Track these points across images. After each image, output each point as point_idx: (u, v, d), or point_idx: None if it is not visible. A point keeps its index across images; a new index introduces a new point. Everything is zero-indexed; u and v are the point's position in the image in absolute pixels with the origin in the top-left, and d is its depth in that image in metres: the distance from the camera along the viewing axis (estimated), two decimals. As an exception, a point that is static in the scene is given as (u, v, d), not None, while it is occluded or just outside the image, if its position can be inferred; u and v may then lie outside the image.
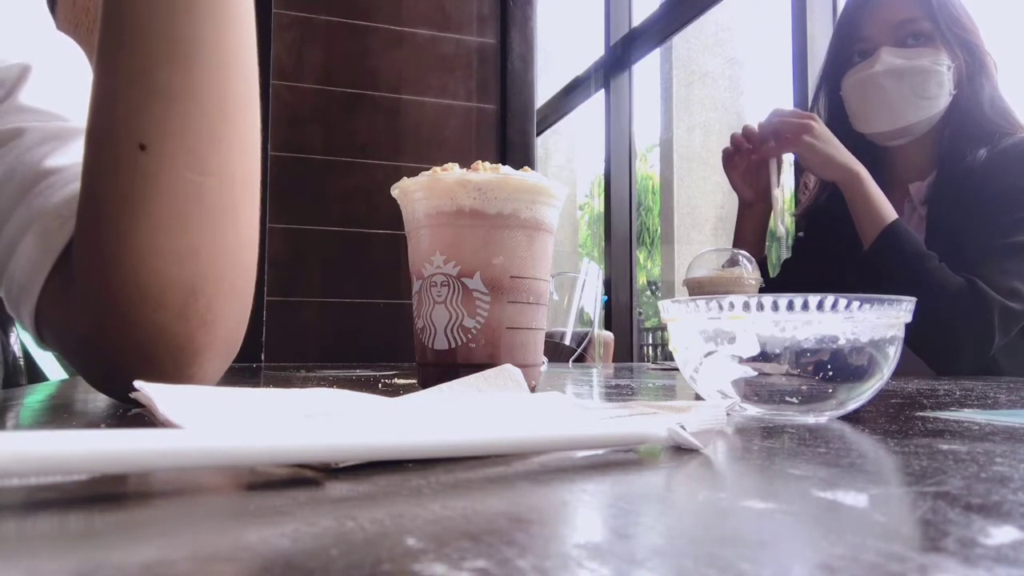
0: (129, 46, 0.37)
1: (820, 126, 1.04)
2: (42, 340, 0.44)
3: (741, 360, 0.36)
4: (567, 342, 1.39)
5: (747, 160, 1.13)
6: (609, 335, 1.96)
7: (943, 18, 1.03)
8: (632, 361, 2.49)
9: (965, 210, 0.99)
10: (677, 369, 0.42)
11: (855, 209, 1.01)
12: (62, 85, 0.47)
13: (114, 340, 0.39)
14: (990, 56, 1.06)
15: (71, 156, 0.43)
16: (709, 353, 0.37)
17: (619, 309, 2.50)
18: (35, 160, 0.44)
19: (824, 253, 1.15)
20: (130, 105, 0.37)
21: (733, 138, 1.15)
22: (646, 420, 0.26)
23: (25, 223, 0.42)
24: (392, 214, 0.57)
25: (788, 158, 1.14)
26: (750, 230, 1.17)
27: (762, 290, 0.97)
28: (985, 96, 1.04)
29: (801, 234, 1.26)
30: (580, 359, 1.33)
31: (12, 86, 0.46)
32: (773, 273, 1.24)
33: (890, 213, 0.99)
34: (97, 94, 0.39)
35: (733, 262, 0.97)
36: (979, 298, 0.92)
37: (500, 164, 0.51)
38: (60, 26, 0.53)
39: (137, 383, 0.28)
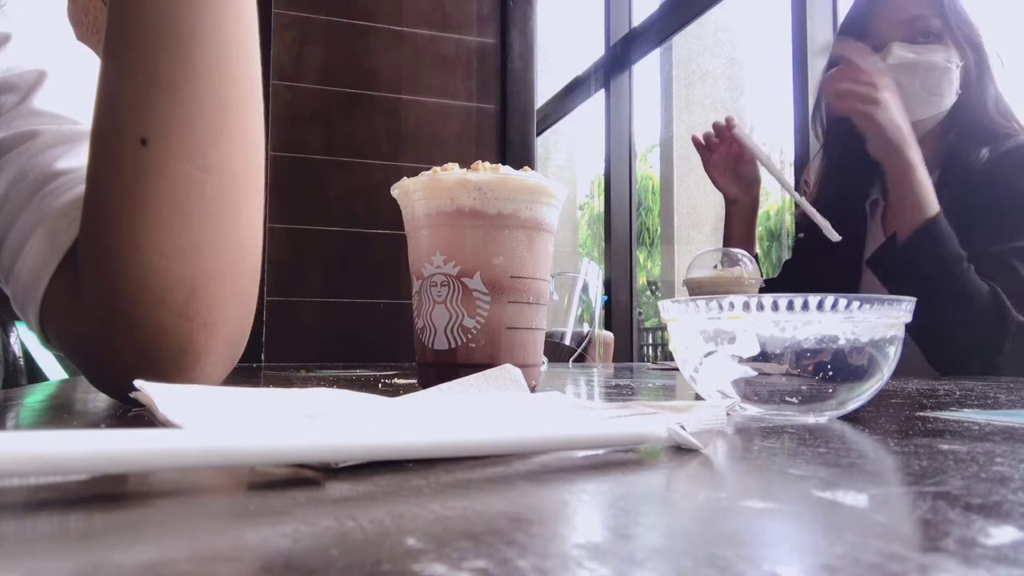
0: (132, 41, 0.38)
1: (887, 96, 0.95)
2: (47, 340, 0.45)
3: (741, 360, 0.36)
4: (567, 342, 1.39)
5: (724, 156, 1.14)
6: (609, 335, 1.96)
7: (953, 17, 1.03)
8: (632, 361, 2.49)
9: (968, 212, 0.99)
10: (677, 369, 0.42)
11: (895, 196, 0.95)
12: (76, 90, 0.48)
13: (117, 340, 0.39)
14: (995, 54, 1.06)
15: (81, 159, 0.43)
16: (709, 353, 0.37)
17: (619, 309, 2.50)
18: (46, 162, 0.44)
19: (826, 253, 1.15)
20: (132, 99, 0.38)
21: (706, 138, 1.16)
22: (646, 420, 0.26)
23: (33, 223, 0.42)
24: (392, 214, 0.57)
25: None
26: (739, 227, 1.18)
27: (762, 290, 0.97)
28: (990, 96, 1.04)
29: (802, 235, 1.27)
30: (580, 359, 1.33)
31: (28, 91, 0.47)
32: (765, 268, 1.24)
33: (933, 206, 0.93)
34: (102, 90, 0.39)
35: (733, 262, 0.97)
36: (1000, 306, 0.91)
37: (500, 164, 0.51)
38: None
39: (137, 382, 0.28)
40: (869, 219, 1.14)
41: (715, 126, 1.15)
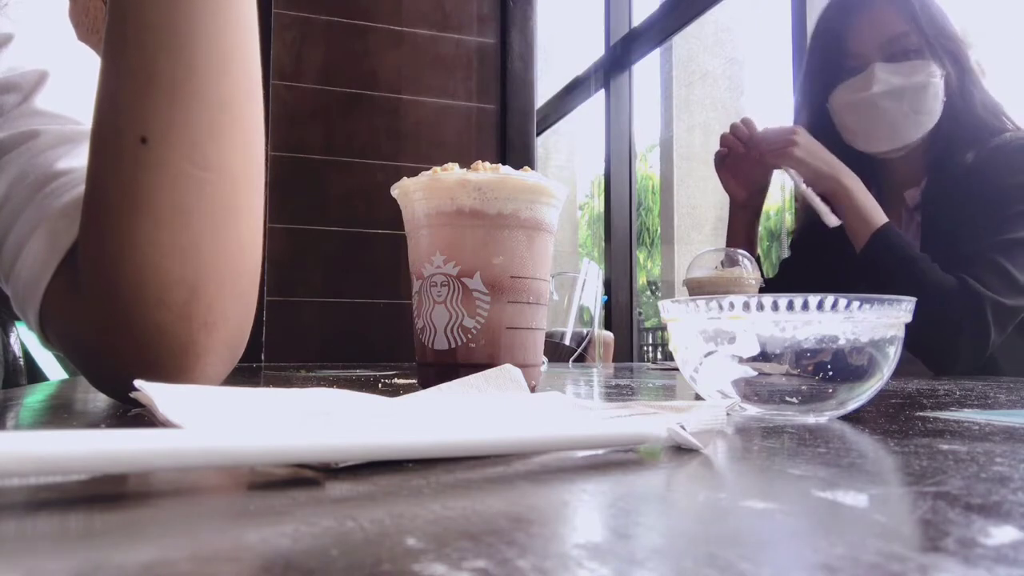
0: (132, 40, 0.38)
1: (804, 139, 1.05)
2: (47, 340, 0.45)
3: (741, 360, 0.36)
4: (567, 342, 1.39)
5: (740, 161, 1.14)
6: (609, 335, 1.96)
7: (930, 31, 1.03)
8: (632, 361, 2.49)
9: (957, 210, 1.00)
10: (677, 369, 0.42)
11: (845, 217, 1.02)
12: (78, 91, 0.48)
13: (117, 340, 0.39)
14: (976, 63, 1.07)
15: (82, 159, 0.43)
16: (709, 353, 0.37)
17: (619, 309, 2.50)
18: (48, 162, 0.44)
19: (823, 252, 1.15)
20: (132, 98, 0.38)
21: (724, 139, 1.15)
22: (646, 420, 0.26)
23: (34, 223, 0.42)
24: (392, 214, 0.57)
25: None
26: (743, 230, 1.18)
27: (762, 290, 0.97)
28: (976, 101, 1.05)
29: (798, 233, 1.27)
30: (580, 359, 1.33)
31: (29, 91, 0.47)
32: (769, 272, 1.24)
33: (879, 218, 1.00)
34: (102, 89, 0.39)
35: (733, 262, 0.97)
36: (971, 296, 0.92)
37: (500, 164, 0.51)
38: None
39: (137, 382, 0.28)
40: None
41: (734, 129, 1.14)
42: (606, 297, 2.43)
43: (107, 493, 0.19)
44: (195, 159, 0.38)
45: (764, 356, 0.35)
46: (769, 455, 0.25)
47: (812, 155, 1.04)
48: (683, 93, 6.16)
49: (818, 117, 1.14)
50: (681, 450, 0.25)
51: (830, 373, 0.35)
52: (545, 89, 3.10)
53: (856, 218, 1.01)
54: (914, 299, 0.36)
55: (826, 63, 1.12)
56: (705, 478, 0.22)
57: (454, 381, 0.38)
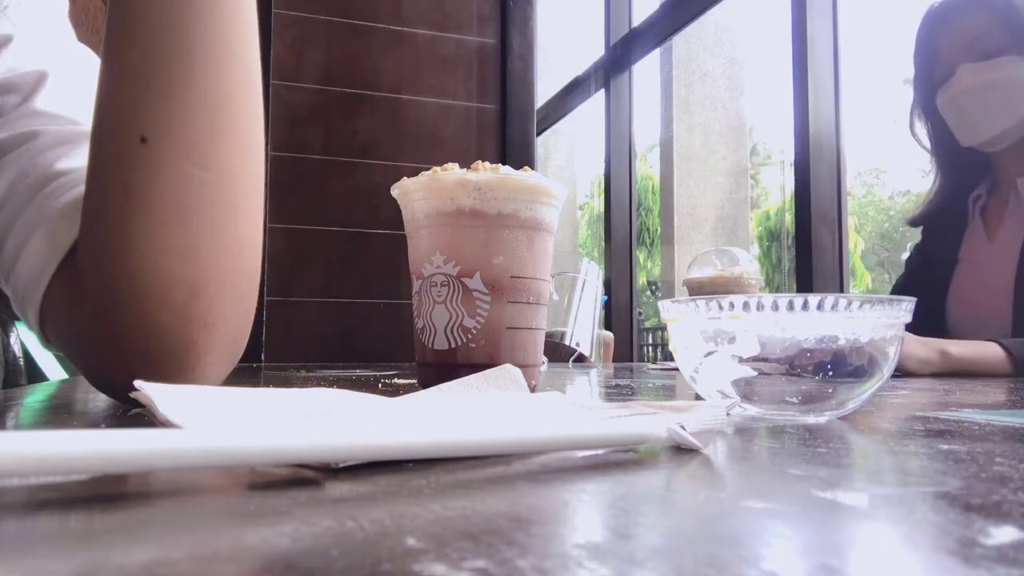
0: (131, 39, 0.38)
1: None
2: (46, 340, 0.45)
3: (741, 360, 0.36)
4: (567, 342, 1.39)
5: None
6: (609, 335, 1.96)
7: (1018, 27, 1.03)
8: (632, 361, 2.49)
9: None
10: (677, 369, 0.42)
11: (974, 371, 0.93)
12: (77, 91, 0.48)
13: (116, 340, 0.39)
14: None
15: (82, 159, 0.43)
16: (709, 353, 0.37)
17: (619, 309, 2.50)
18: (47, 162, 0.44)
19: (923, 254, 1.14)
20: (132, 98, 0.38)
21: None
22: (646, 420, 0.26)
23: (34, 223, 0.42)
24: (392, 214, 0.57)
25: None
26: None
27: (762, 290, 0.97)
28: None
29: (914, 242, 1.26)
30: (580, 359, 1.33)
31: (29, 91, 0.47)
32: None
33: (989, 349, 0.92)
34: (102, 89, 0.39)
35: (733, 262, 0.97)
36: None
37: (500, 164, 0.51)
38: None
39: (137, 383, 0.28)
40: (971, 216, 1.14)
41: None
42: (606, 297, 2.43)
43: (107, 493, 0.19)
44: (195, 159, 0.38)
45: (764, 356, 0.35)
46: (769, 455, 0.25)
47: (912, 356, 0.91)
48: (683, 93, 6.16)
49: (935, 126, 1.15)
50: (681, 450, 0.25)
51: (830, 373, 0.35)
52: (545, 89, 3.10)
53: (977, 364, 0.92)
54: (914, 299, 0.36)
55: (923, 71, 1.13)
56: (705, 478, 0.22)
57: (454, 381, 0.38)
